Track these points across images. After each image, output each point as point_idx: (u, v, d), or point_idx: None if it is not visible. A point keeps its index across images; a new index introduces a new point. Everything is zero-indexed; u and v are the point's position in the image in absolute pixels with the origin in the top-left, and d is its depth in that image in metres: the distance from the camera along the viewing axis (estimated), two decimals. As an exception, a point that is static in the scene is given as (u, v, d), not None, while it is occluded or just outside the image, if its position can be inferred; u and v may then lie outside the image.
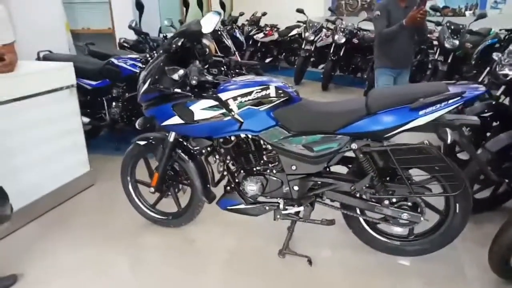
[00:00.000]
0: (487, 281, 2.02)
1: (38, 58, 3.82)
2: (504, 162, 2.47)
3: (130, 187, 2.56)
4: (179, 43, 1.99)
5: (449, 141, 1.75)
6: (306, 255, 2.19)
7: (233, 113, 1.97)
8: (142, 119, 2.19)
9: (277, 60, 8.01)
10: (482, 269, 2.06)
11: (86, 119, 3.60)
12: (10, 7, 3.21)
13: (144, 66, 3.58)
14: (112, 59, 3.57)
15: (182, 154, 2.30)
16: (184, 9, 4.12)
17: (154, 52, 3.51)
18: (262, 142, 2.10)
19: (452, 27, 5.08)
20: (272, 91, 1.95)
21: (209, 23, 2.06)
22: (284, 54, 8.10)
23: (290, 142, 1.99)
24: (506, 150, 2.40)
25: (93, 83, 3.64)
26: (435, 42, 6.06)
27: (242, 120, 1.98)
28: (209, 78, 2.01)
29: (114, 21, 5.30)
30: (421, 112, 1.76)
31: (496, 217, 2.54)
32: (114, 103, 3.71)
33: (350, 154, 2.02)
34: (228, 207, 2.24)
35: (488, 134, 2.87)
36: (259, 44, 7.73)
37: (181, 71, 2.01)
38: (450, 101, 1.74)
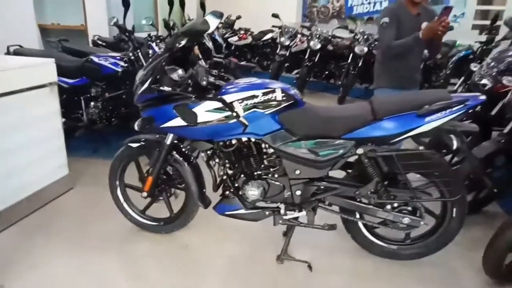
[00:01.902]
0: (480, 283, 2.10)
1: (8, 53, 3.57)
2: (487, 167, 2.60)
3: (118, 191, 2.44)
4: (183, 43, 1.92)
5: (454, 147, 1.81)
6: (305, 260, 2.17)
7: (238, 115, 1.92)
8: (141, 121, 2.08)
9: (251, 63, 8.01)
10: (474, 271, 2.15)
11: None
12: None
13: (126, 65, 3.45)
14: (92, 57, 3.41)
15: (179, 157, 2.22)
16: (168, 8, 4.01)
17: (138, 51, 3.39)
18: (264, 146, 2.06)
19: (424, 38, 5.30)
20: (278, 95, 1.92)
21: (211, 24, 2.00)
22: (257, 58, 8.11)
23: (295, 146, 1.97)
24: (490, 156, 2.53)
25: (70, 81, 3.46)
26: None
27: (247, 123, 1.94)
28: (214, 80, 1.96)
29: (87, 18, 5.07)
30: (427, 119, 1.81)
31: (479, 220, 2.67)
32: (92, 103, 3.54)
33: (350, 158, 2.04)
34: (227, 213, 2.18)
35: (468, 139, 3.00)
36: (233, 47, 7.69)
37: (180, 71, 1.94)
38: (454, 108, 1.80)
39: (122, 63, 3.42)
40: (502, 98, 2.89)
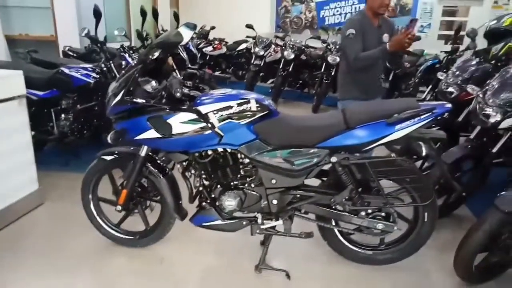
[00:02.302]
0: (452, 285, 2.16)
1: (-27, 64, 3.44)
2: (456, 172, 2.70)
3: (91, 205, 2.37)
4: (156, 54, 1.91)
5: (423, 154, 1.87)
6: (283, 269, 2.18)
7: (213, 126, 1.92)
8: (114, 133, 2.05)
9: (226, 73, 8.04)
10: (446, 273, 2.21)
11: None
12: None
13: (98, 76, 3.40)
14: (63, 68, 3.33)
15: (153, 169, 2.20)
16: (141, 19, 3.98)
17: (111, 62, 3.34)
18: (240, 156, 2.07)
19: (393, 47, 5.48)
20: (253, 105, 1.94)
21: (185, 35, 2.00)
22: (232, 68, 8.15)
23: (270, 156, 1.98)
24: (458, 161, 2.63)
25: (40, 93, 3.36)
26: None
27: (222, 134, 1.95)
28: (189, 91, 1.96)
29: (57, 28, 4.96)
30: (397, 127, 1.87)
31: (449, 224, 2.76)
32: (63, 115, 3.44)
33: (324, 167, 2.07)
34: (204, 224, 2.17)
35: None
36: (207, 57, 7.70)
37: (154, 83, 1.93)
38: (422, 116, 1.87)
39: (94, 74, 3.37)
40: (467, 105, 3.02)
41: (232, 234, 2.19)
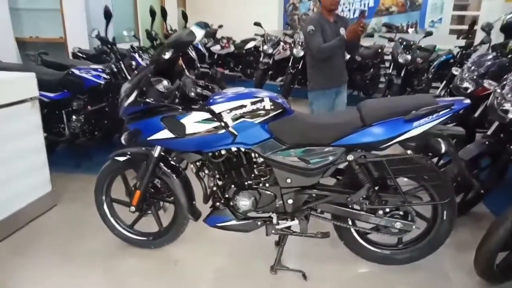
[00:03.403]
0: (472, 285, 2.11)
1: (-15, 68, 3.46)
2: (473, 169, 2.64)
3: (105, 206, 2.37)
4: (169, 54, 1.89)
5: (443, 151, 1.82)
6: (299, 269, 2.15)
7: (227, 126, 1.90)
8: (128, 134, 2.04)
9: (234, 72, 8.02)
10: (465, 273, 2.16)
11: (43, 134, 3.31)
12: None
13: (108, 77, 3.40)
14: (73, 70, 3.34)
15: (167, 170, 2.18)
16: (150, 19, 3.98)
17: (121, 62, 3.34)
18: (254, 155, 2.04)
19: (404, 43, 5.41)
20: (267, 104, 1.91)
21: (197, 34, 1.98)
22: (241, 66, 8.12)
23: (285, 155, 1.95)
24: (476, 158, 2.57)
25: (51, 95, 3.37)
26: (387, 57, 6.45)
27: (236, 133, 1.92)
28: (201, 90, 1.93)
29: (66, 30, 4.97)
30: (415, 124, 1.83)
31: (467, 222, 2.70)
32: (74, 117, 3.45)
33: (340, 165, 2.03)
34: (218, 224, 2.14)
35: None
36: (216, 57, 7.69)
37: (166, 82, 1.92)
38: (441, 112, 1.82)
39: (104, 75, 3.37)
40: (483, 101, 2.95)
41: (246, 234, 2.17)
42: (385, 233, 2.08)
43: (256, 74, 6.87)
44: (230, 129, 1.91)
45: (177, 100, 1.97)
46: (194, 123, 1.91)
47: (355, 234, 2.18)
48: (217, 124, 1.90)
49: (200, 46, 5.18)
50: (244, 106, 1.90)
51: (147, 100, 1.94)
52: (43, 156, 2.76)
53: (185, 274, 2.21)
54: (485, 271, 2.02)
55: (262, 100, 1.92)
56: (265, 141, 1.95)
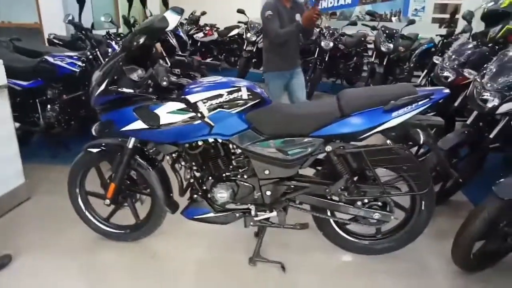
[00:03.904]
0: (450, 273, 2.13)
1: (-48, 54, 3.30)
2: (452, 158, 2.65)
3: (79, 200, 2.30)
4: (141, 41, 1.81)
5: (421, 142, 1.81)
6: (278, 261, 2.13)
7: (203, 116, 1.84)
8: (99, 125, 1.96)
9: (218, 60, 7.90)
10: (443, 261, 2.18)
11: (16, 124, 3.19)
12: None
13: (84, 65, 3.28)
14: (47, 57, 3.21)
15: (142, 162, 2.12)
16: (128, 4, 3.84)
17: (97, 49, 3.23)
18: (231, 146, 2.00)
19: (387, 31, 5.39)
20: (244, 93, 1.86)
21: (171, 20, 1.90)
22: (224, 54, 8.00)
23: (263, 146, 1.91)
24: (455, 147, 2.58)
25: (24, 83, 3.25)
26: (370, 46, 6.42)
27: (212, 124, 1.87)
28: (177, 79, 1.87)
29: (41, 15, 4.78)
30: (394, 114, 1.80)
31: (446, 210, 2.72)
32: (49, 106, 3.34)
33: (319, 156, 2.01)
34: (196, 217, 2.10)
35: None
36: (198, 44, 7.55)
37: (140, 71, 1.85)
38: (420, 102, 1.80)
39: (79, 63, 3.25)
40: (463, 90, 2.96)
41: (225, 226, 2.13)
42: (363, 224, 2.08)
43: (239, 62, 6.78)
44: (206, 119, 1.85)
45: (150, 90, 1.90)
46: (168, 113, 1.84)
47: (334, 225, 2.17)
48: (192, 114, 1.84)
49: (181, 33, 5.05)
50: (221, 95, 1.84)
51: (119, 89, 1.86)
52: (14, 146, 2.66)
53: (163, 267, 2.17)
54: (462, 260, 2.04)
55: (239, 90, 1.86)
56: (243, 132, 1.91)
